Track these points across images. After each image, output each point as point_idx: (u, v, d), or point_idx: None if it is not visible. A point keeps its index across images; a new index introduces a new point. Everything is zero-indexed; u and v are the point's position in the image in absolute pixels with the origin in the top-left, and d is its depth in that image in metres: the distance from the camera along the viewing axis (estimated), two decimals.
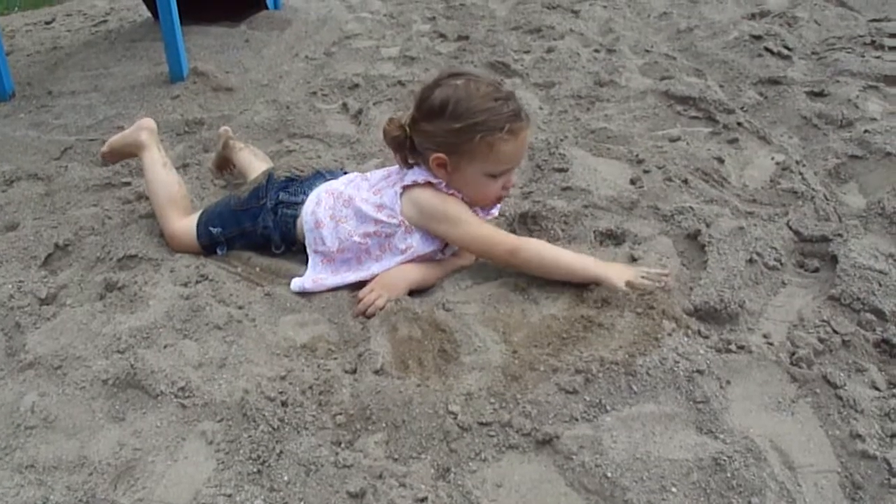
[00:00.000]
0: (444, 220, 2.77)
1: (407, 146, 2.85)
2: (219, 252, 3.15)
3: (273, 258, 3.10)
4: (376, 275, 2.83)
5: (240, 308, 2.73)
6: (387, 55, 5.96)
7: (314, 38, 6.55)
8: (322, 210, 2.97)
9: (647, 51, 5.59)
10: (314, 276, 2.92)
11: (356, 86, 5.13)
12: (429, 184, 2.80)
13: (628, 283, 2.60)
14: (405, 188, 2.83)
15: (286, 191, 3.12)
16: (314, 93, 5.03)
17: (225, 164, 3.89)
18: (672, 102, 4.44)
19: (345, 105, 4.81)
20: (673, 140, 3.97)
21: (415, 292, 2.79)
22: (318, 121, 4.55)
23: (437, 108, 2.72)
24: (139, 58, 5.98)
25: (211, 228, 3.13)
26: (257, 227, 3.10)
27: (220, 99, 5.07)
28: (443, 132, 2.71)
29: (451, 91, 2.71)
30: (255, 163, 3.64)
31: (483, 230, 2.78)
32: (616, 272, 2.66)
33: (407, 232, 2.80)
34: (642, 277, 2.64)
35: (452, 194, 2.79)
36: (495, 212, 3.03)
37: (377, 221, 2.86)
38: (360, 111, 4.69)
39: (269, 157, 3.83)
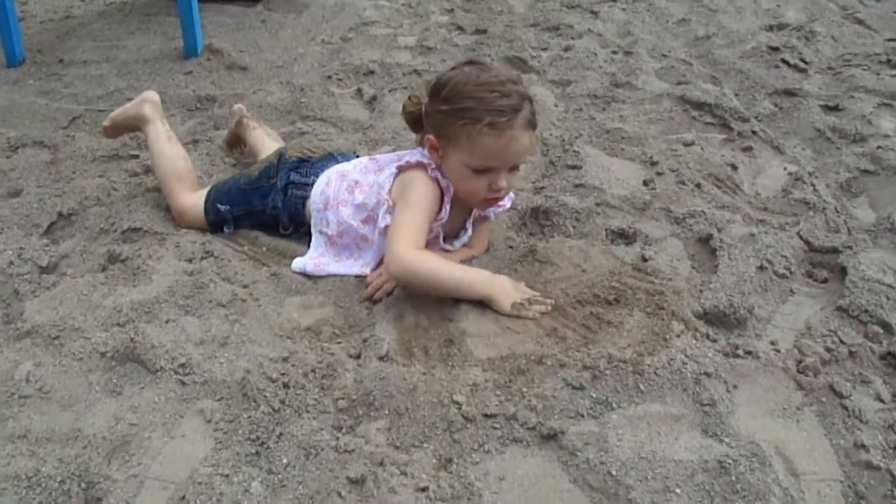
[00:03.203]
0: (402, 198, 2.73)
1: (419, 124, 2.83)
2: (226, 230, 3.13)
3: (280, 238, 3.08)
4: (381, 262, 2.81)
5: (244, 287, 2.72)
6: (403, 44, 5.94)
7: (331, 23, 6.52)
8: (332, 191, 2.96)
9: (665, 55, 5.57)
10: (316, 257, 2.91)
11: (371, 72, 5.11)
12: (420, 164, 2.77)
13: (513, 306, 2.52)
14: (400, 168, 2.80)
15: (297, 171, 3.10)
16: (329, 77, 5.01)
17: (236, 142, 3.87)
18: (687, 107, 4.42)
19: (359, 91, 4.79)
20: (687, 144, 3.95)
21: None
22: (331, 104, 4.53)
23: (437, 88, 2.71)
24: (153, 32, 5.95)
25: (219, 205, 3.11)
26: (266, 206, 3.08)
27: (234, 77, 5.05)
28: (434, 112, 2.70)
29: (455, 74, 2.69)
30: (267, 142, 3.61)
31: (407, 226, 2.65)
32: (504, 292, 2.55)
33: (388, 211, 2.76)
34: (529, 303, 2.55)
35: (437, 179, 2.74)
36: (491, 215, 3.02)
37: (366, 205, 2.86)
38: (374, 97, 4.68)
39: (281, 138, 3.81)
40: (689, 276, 2.80)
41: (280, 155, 3.18)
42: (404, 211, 2.68)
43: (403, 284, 2.62)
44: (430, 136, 2.72)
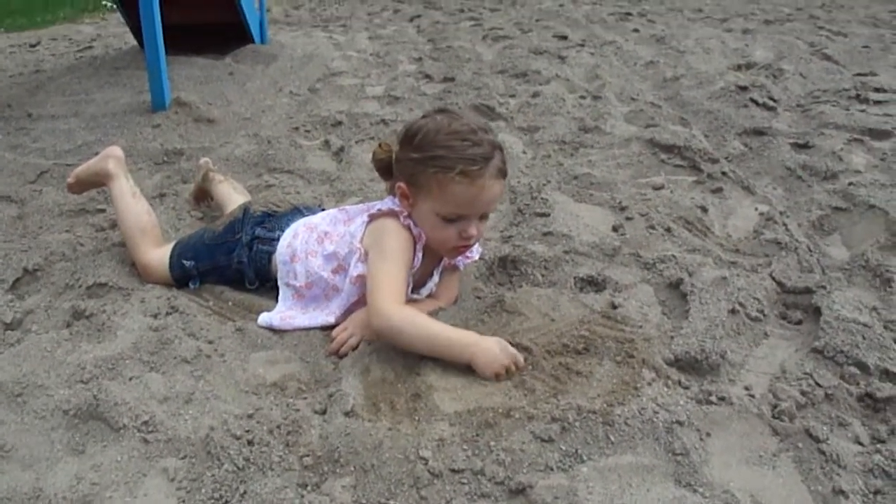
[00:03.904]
0: (376, 247, 2.70)
1: (389, 171, 2.82)
2: (191, 285, 3.10)
3: (246, 293, 3.05)
4: (349, 315, 2.79)
5: (210, 342, 2.68)
6: (371, 94, 5.97)
7: (299, 74, 6.54)
8: (299, 243, 2.94)
9: (633, 98, 5.61)
10: (283, 311, 2.88)
11: (339, 123, 5.12)
12: (392, 212, 2.75)
13: (496, 375, 2.43)
14: (371, 217, 2.79)
15: (262, 226, 3.08)
16: (296, 128, 5.02)
17: (203, 196, 3.84)
18: (656, 150, 4.44)
19: (326, 142, 4.79)
20: (656, 188, 3.96)
21: None
22: (298, 156, 4.53)
23: (408, 136, 2.70)
24: (122, 85, 5.95)
25: (184, 261, 3.08)
26: (231, 261, 3.05)
27: (202, 130, 5.04)
28: (405, 160, 2.69)
29: (426, 122, 2.68)
30: (233, 196, 3.59)
31: (388, 278, 2.61)
32: (486, 360, 2.44)
33: (361, 259, 2.74)
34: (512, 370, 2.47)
35: (409, 227, 2.72)
36: (461, 265, 3.00)
37: (337, 254, 2.84)
38: (341, 148, 4.67)
39: (247, 191, 3.79)
40: (660, 323, 2.78)
41: (245, 210, 3.16)
42: (382, 262, 2.66)
43: (387, 340, 2.57)
44: (401, 184, 2.71)
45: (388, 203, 2.79)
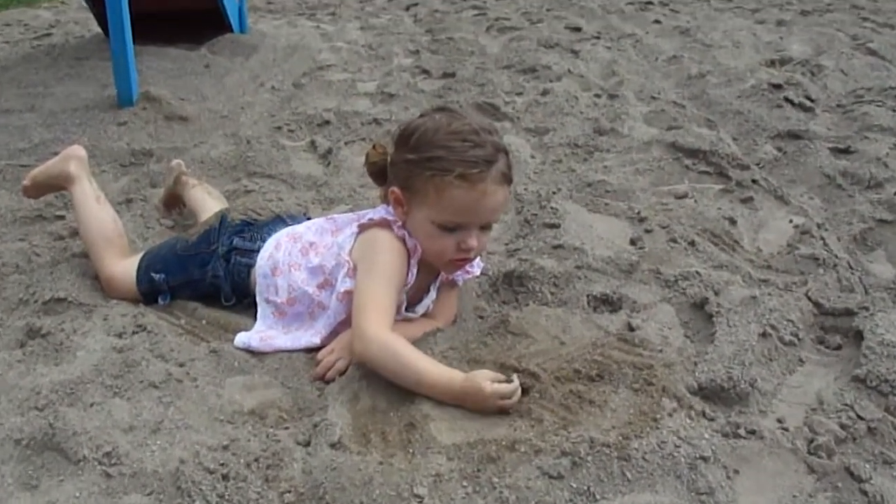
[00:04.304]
0: (366, 262, 2.71)
1: (383, 176, 2.83)
2: (160, 301, 3.10)
3: (222, 310, 3.06)
4: (336, 335, 2.79)
5: (181, 365, 2.68)
6: (363, 90, 5.98)
7: (282, 67, 6.57)
8: (282, 255, 2.95)
9: (654, 97, 5.62)
10: (263, 331, 2.89)
11: (326, 122, 5.13)
12: (385, 222, 2.76)
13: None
14: (362, 227, 2.80)
15: (241, 236, 3.09)
16: (279, 128, 5.03)
17: (174, 202, 3.85)
18: (679, 155, 4.45)
19: (313, 143, 4.81)
20: (679, 197, 3.96)
21: None
22: (281, 159, 4.54)
23: (404, 136, 2.72)
24: (84, 77, 5.96)
25: (153, 274, 3.09)
26: (206, 275, 3.06)
27: (173, 129, 5.05)
28: (400, 162, 2.71)
29: (424, 121, 2.70)
30: (208, 202, 3.60)
31: (375, 298, 2.62)
32: (476, 406, 2.41)
33: (349, 274, 2.75)
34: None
35: (403, 238, 2.73)
36: (460, 280, 3.01)
37: (323, 268, 2.85)
38: (329, 151, 4.68)
39: (224, 196, 3.80)
40: (682, 347, 2.79)
41: (222, 217, 3.17)
42: (370, 279, 2.67)
43: (369, 367, 2.57)
44: (395, 189, 2.71)
45: (380, 212, 2.80)
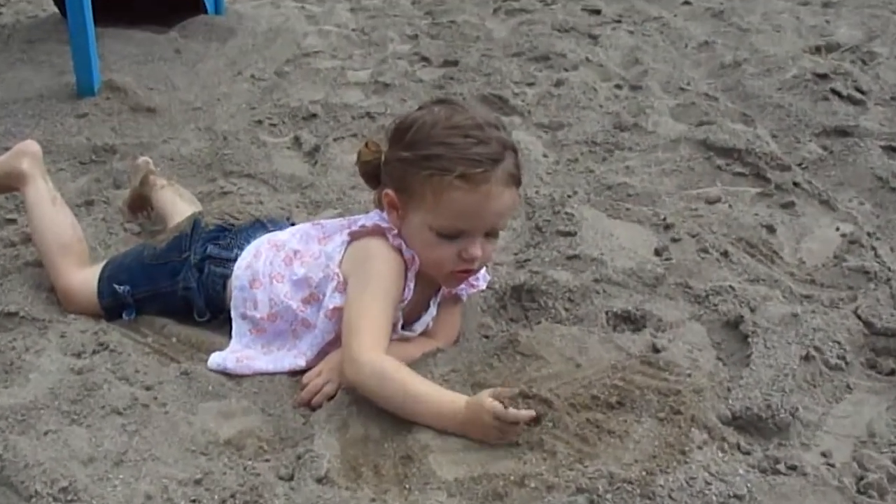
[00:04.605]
0: (358, 276, 2.72)
1: (377, 177, 2.84)
2: (125, 317, 3.10)
3: (195, 327, 3.06)
4: (324, 356, 2.79)
5: (147, 389, 2.68)
6: (354, 80, 5.97)
7: (263, 54, 6.56)
8: (262, 264, 2.95)
9: (683, 89, 5.62)
10: (239, 351, 2.89)
11: (313, 116, 5.13)
12: (378, 230, 2.77)
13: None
14: (353, 235, 2.81)
15: (216, 243, 3.09)
16: (259, 121, 5.03)
17: (141, 205, 3.85)
18: (711, 154, 4.45)
19: (297, 139, 4.81)
20: (711, 201, 3.96)
21: None
22: (262, 157, 4.54)
23: (399, 131, 2.73)
24: (38, 63, 5.95)
25: (116, 286, 3.08)
26: (177, 287, 3.06)
27: (140, 122, 5.05)
28: (395, 161, 2.71)
29: (422, 114, 2.71)
30: (179, 205, 3.60)
31: (369, 317, 2.63)
32: (478, 434, 2.41)
33: (339, 289, 2.75)
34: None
35: (399, 249, 2.74)
36: (464, 295, 3.02)
37: (309, 280, 2.85)
38: (316, 148, 4.68)
39: (197, 199, 3.80)
40: (714, 371, 2.79)
41: (194, 222, 3.17)
42: (363, 295, 2.67)
43: (360, 393, 2.57)
44: (389, 192, 2.72)
45: (373, 217, 2.80)
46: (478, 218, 2.65)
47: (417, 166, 2.63)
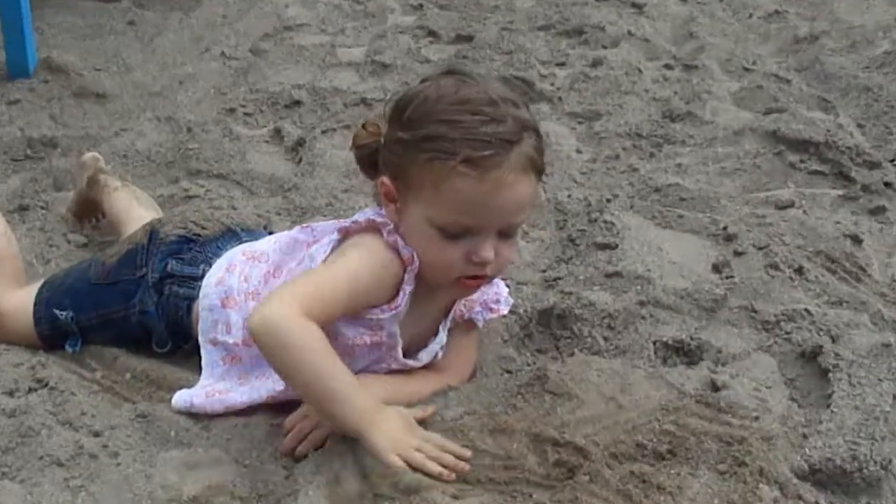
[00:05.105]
0: (339, 257, 2.71)
1: (376, 164, 2.80)
2: (68, 348, 3.09)
3: (154, 359, 3.05)
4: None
5: (95, 435, 2.68)
6: (346, 59, 5.99)
7: (235, 27, 6.58)
8: (235, 280, 2.94)
9: (747, 69, 5.63)
10: (211, 384, 2.88)
11: (297, 103, 5.14)
12: (372, 225, 2.75)
13: (402, 457, 2.43)
14: (342, 232, 2.79)
15: (178, 258, 3.09)
16: (231, 110, 5.04)
17: (88, 211, 3.87)
18: (782, 149, 4.45)
19: (278, 131, 4.82)
20: (782, 206, 3.97)
21: None
22: (235, 153, 4.55)
23: (398, 108, 2.69)
24: None
25: (57, 311, 3.09)
26: (131, 312, 3.05)
27: (85, 110, 5.07)
28: (392, 143, 2.67)
29: (425, 88, 2.68)
30: (135, 211, 3.60)
31: (310, 282, 2.64)
32: (391, 437, 2.45)
33: None
34: (426, 456, 2.46)
35: (395, 245, 2.69)
36: (480, 320, 2.99)
37: None
38: (300, 142, 4.69)
39: (157, 203, 3.80)
40: (787, 414, 2.77)
41: (151, 232, 3.16)
42: (322, 267, 2.69)
43: (259, 348, 2.58)
44: (385, 180, 2.70)
45: (367, 213, 2.79)
46: (487, 212, 2.59)
47: (416, 149, 2.58)
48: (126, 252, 3.15)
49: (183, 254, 3.10)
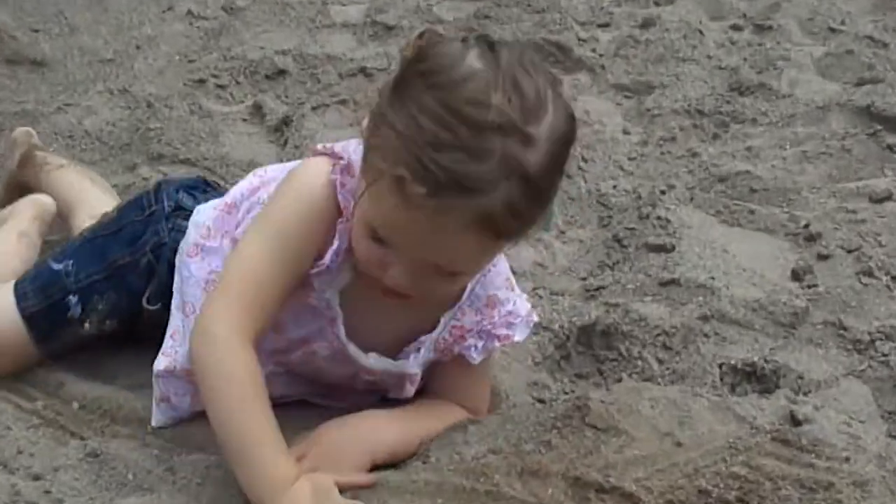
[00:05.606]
0: (267, 204, 2.74)
1: None
2: (72, 310, 3.09)
3: (105, 386, 3.05)
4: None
5: (35, 479, 2.69)
6: (341, 20, 5.99)
7: None
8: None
9: (833, 29, 5.63)
10: (173, 350, 2.90)
11: (281, 73, 5.16)
12: (333, 155, 2.70)
13: None
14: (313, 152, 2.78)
15: (192, 193, 3.16)
16: (201, 81, 5.06)
17: (19, 194, 3.87)
18: (877, 128, 4.45)
19: (258, 107, 4.83)
20: (877, 200, 3.96)
21: (382, 467, 2.71)
22: (206, 133, 4.55)
23: (414, 59, 2.47)
24: None
25: (53, 264, 3.11)
26: (139, 253, 3.07)
27: (20, 79, 5.09)
28: (377, 110, 2.52)
29: (449, 54, 2.45)
30: (91, 191, 3.62)
31: (252, 264, 2.63)
32: None
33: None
34: None
35: (334, 186, 2.65)
36: (472, 357, 2.87)
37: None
38: (286, 120, 4.70)
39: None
40: (885, 454, 2.77)
41: (159, 183, 3.25)
42: (254, 233, 2.69)
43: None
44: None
45: (351, 144, 2.72)
46: (405, 240, 2.48)
47: (376, 132, 2.47)
48: (129, 201, 3.23)
49: (197, 191, 3.17)
